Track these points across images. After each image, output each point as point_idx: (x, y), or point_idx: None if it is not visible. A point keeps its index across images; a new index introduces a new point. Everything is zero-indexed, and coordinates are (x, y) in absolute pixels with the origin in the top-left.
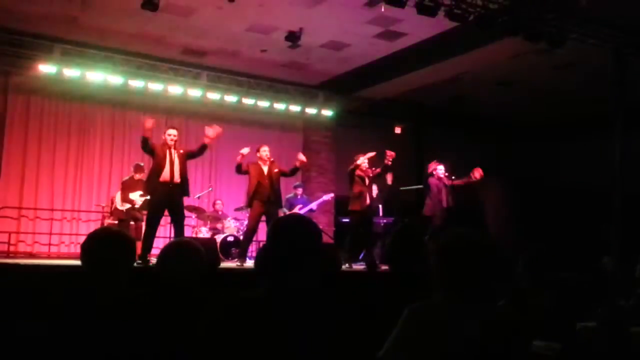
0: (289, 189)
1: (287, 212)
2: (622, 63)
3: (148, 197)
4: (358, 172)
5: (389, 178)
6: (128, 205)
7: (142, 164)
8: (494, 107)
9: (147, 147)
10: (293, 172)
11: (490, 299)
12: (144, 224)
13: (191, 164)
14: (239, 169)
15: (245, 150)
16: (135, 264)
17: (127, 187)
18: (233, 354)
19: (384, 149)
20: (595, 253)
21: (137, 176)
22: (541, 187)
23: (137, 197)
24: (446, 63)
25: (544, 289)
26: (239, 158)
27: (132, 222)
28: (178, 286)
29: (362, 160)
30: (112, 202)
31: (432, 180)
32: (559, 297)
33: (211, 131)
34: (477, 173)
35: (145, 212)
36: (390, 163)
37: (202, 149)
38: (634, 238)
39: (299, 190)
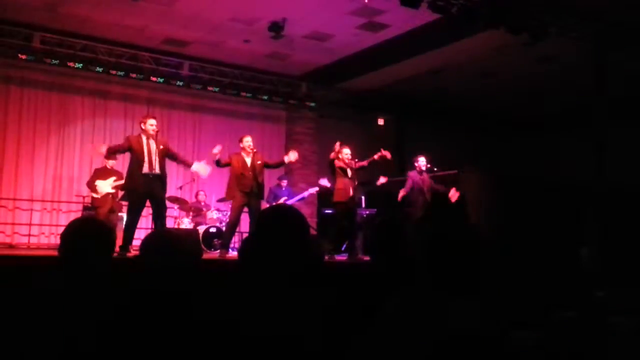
0: (272, 181)
1: (269, 204)
2: (604, 55)
3: (121, 184)
4: (338, 162)
5: (383, 179)
6: (101, 193)
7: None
8: (477, 99)
9: (114, 153)
10: (278, 165)
11: (475, 289)
12: (121, 215)
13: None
14: (218, 164)
15: (217, 149)
16: (115, 255)
17: (99, 175)
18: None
19: (367, 140)
20: (575, 245)
21: (110, 164)
22: (524, 180)
23: (107, 184)
24: (429, 55)
25: (523, 279)
26: (214, 155)
27: (107, 213)
28: (160, 277)
29: (344, 153)
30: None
31: (412, 173)
32: (538, 287)
33: (292, 155)
34: (386, 154)
35: (124, 202)
36: (378, 159)
37: (186, 165)
38: (616, 230)
39: (284, 182)
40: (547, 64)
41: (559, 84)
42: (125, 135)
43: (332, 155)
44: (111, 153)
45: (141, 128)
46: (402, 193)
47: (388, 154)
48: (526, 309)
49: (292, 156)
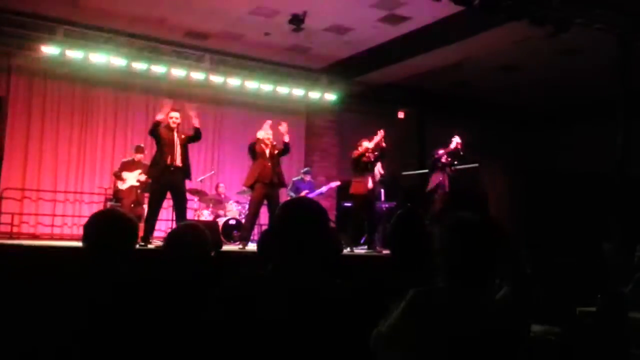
0: (292, 173)
1: (293, 196)
2: (628, 48)
3: (145, 177)
4: (365, 158)
5: (380, 167)
6: (126, 185)
7: (142, 145)
8: (498, 92)
9: (155, 131)
10: (286, 148)
11: (494, 284)
12: (145, 207)
13: (193, 147)
14: (252, 148)
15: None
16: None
17: (126, 167)
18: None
19: (386, 133)
20: (597, 239)
21: (138, 157)
22: (545, 173)
23: (134, 176)
24: (450, 47)
25: (545, 274)
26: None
27: (132, 205)
28: (185, 268)
29: (367, 145)
30: (115, 184)
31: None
32: (560, 282)
33: (193, 108)
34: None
35: (146, 194)
36: (384, 145)
37: (196, 133)
38: (637, 224)
39: (307, 177)
40: (571, 56)
41: (582, 76)
42: (147, 128)
43: (357, 152)
44: (156, 125)
45: (165, 122)
46: (433, 183)
47: (382, 132)
48: (548, 303)
49: (282, 128)
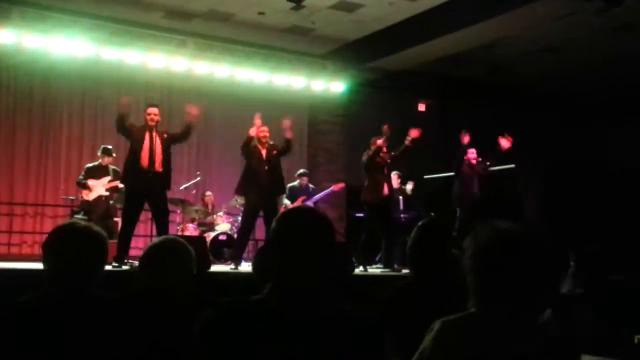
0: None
1: (289, 205)
2: None
3: (118, 184)
4: (377, 158)
5: (395, 179)
6: (94, 195)
7: (110, 147)
8: (538, 78)
9: (121, 126)
10: (287, 147)
11: (536, 307)
12: (118, 221)
13: (176, 149)
14: (246, 148)
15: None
16: (109, 266)
17: (92, 174)
18: None
19: (405, 130)
20: None
21: (105, 161)
22: (595, 174)
23: (102, 184)
24: (480, 26)
25: (596, 296)
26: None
27: (101, 218)
28: (162, 293)
29: (380, 144)
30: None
31: (463, 167)
32: (615, 305)
33: (195, 109)
34: (413, 134)
35: (119, 206)
36: (411, 144)
37: (187, 130)
38: None
39: (304, 180)
40: (624, 34)
41: (637, 57)
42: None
43: (369, 153)
44: (119, 119)
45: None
46: (456, 189)
47: (416, 132)
48: (602, 330)
49: (286, 123)
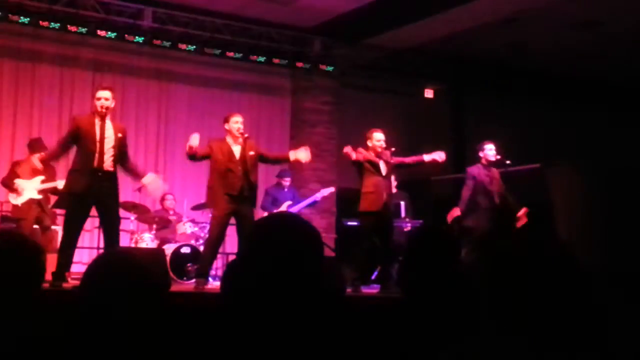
0: (270, 179)
1: (267, 212)
2: None
3: (52, 186)
4: (366, 156)
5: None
6: (23, 198)
7: (39, 138)
8: (569, 60)
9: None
10: (279, 160)
11: (568, 341)
12: (58, 230)
13: (130, 141)
14: (194, 158)
15: (195, 141)
16: (47, 285)
17: (20, 172)
18: None
19: (408, 120)
20: None
21: (35, 157)
22: (636, 174)
23: (33, 186)
24: None
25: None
26: (187, 147)
27: (35, 226)
28: (108, 317)
29: (375, 139)
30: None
31: (473, 169)
32: None
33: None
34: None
35: (59, 211)
36: (430, 162)
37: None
38: None
39: (286, 181)
40: None
41: None
42: (61, 112)
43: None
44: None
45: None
46: (465, 195)
47: (442, 155)
48: None
49: (302, 155)
